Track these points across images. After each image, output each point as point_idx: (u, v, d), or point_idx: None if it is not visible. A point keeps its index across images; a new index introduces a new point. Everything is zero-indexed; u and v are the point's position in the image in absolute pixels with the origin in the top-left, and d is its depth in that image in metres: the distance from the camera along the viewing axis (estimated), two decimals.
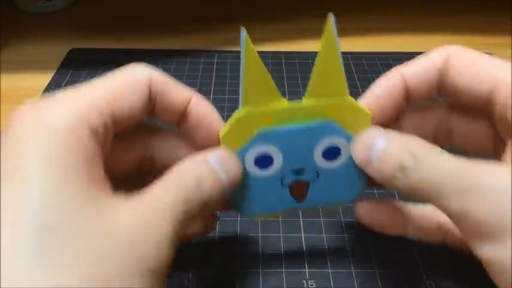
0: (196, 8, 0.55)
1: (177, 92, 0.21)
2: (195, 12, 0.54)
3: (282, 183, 0.23)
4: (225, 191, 0.20)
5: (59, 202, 0.15)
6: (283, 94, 0.41)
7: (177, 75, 0.42)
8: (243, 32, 0.19)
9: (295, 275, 0.26)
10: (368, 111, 0.22)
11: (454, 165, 0.18)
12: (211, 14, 0.54)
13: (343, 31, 0.50)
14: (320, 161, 0.22)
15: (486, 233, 0.17)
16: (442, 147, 0.19)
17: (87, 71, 0.43)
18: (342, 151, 0.22)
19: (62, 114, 0.17)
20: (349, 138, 0.22)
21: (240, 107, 0.21)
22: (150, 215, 0.17)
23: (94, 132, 0.17)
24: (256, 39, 0.48)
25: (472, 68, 0.20)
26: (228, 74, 0.43)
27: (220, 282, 0.25)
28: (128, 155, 0.21)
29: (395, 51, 0.47)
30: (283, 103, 0.21)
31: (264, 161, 0.22)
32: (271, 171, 0.22)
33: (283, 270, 0.26)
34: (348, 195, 0.24)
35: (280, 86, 0.41)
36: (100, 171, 0.17)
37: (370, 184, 0.23)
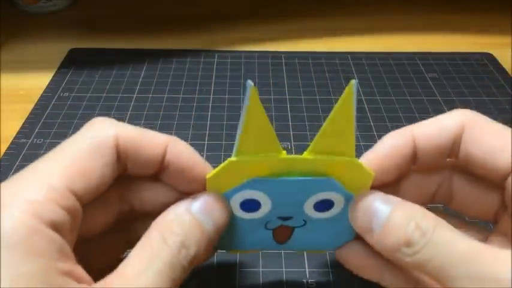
0: (196, 8, 0.55)
1: (150, 144, 0.19)
2: (195, 12, 0.54)
3: (265, 227, 0.22)
4: (211, 239, 0.19)
5: None
6: (283, 94, 0.41)
7: (177, 75, 0.42)
8: (249, 84, 0.17)
9: (295, 275, 0.26)
10: (371, 172, 0.20)
11: (464, 246, 0.17)
12: (211, 14, 0.54)
13: (344, 31, 0.50)
14: (310, 212, 0.21)
15: None
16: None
17: (87, 71, 0.43)
18: (336, 204, 0.21)
19: (14, 222, 0.15)
20: (345, 195, 0.20)
21: (233, 155, 0.19)
22: None
23: (55, 227, 0.16)
24: (256, 39, 0.49)
25: (489, 141, 0.19)
26: (228, 74, 0.43)
27: (220, 282, 0.25)
28: (103, 214, 0.20)
29: (395, 51, 0.46)
30: (282, 156, 0.19)
31: (250, 206, 0.21)
32: (256, 215, 0.21)
33: (283, 269, 0.26)
34: (332, 244, 0.22)
35: (280, 86, 0.41)
36: (68, 262, 0.16)
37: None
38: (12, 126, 0.36)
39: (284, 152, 0.19)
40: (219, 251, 0.23)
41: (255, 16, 0.53)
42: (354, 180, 0.20)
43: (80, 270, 0.16)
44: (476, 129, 0.20)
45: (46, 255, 0.15)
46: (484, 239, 0.21)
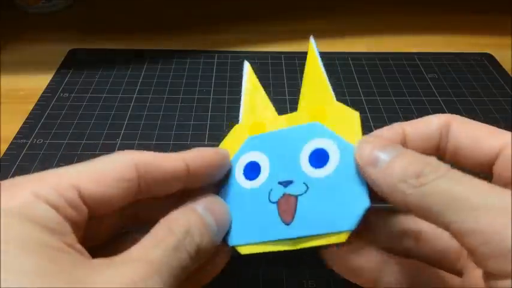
0: (196, 8, 0.55)
1: (170, 159, 0.20)
2: (195, 12, 0.54)
3: (270, 200, 0.21)
4: (215, 235, 0.20)
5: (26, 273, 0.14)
6: (283, 94, 0.41)
7: (177, 75, 0.42)
8: (246, 63, 0.25)
9: (295, 275, 0.26)
10: (354, 111, 0.21)
11: (475, 181, 0.16)
12: (211, 14, 0.54)
13: (343, 32, 0.50)
14: (307, 169, 0.21)
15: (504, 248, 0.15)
16: None
17: (87, 71, 0.43)
18: (331, 156, 0.21)
19: (16, 196, 0.16)
20: (337, 140, 0.21)
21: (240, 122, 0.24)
22: (138, 272, 0.16)
23: (51, 205, 0.17)
24: (256, 40, 0.49)
25: (474, 130, 0.21)
26: (228, 74, 0.43)
27: (220, 281, 0.25)
28: (108, 219, 0.21)
29: (395, 51, 0.47)
30: (274, 116, 0.23)
31: (252, 169, 0.22)
32: (259, 182, 0.22)
33: (283, 270, 0.26)
34: (345, 219, 0.19)
35: (280, 86, 0.41)
36: (66, 236, 0.17)
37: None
38: (12, 127, 0.36)
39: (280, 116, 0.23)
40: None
41: (255, 17, 0.53)
42: (341, 124, 0.21)
43: (79, 246, 0.17)
44: (463, 123, 0.21)
45: (41, 222, 0.16)
46: None
